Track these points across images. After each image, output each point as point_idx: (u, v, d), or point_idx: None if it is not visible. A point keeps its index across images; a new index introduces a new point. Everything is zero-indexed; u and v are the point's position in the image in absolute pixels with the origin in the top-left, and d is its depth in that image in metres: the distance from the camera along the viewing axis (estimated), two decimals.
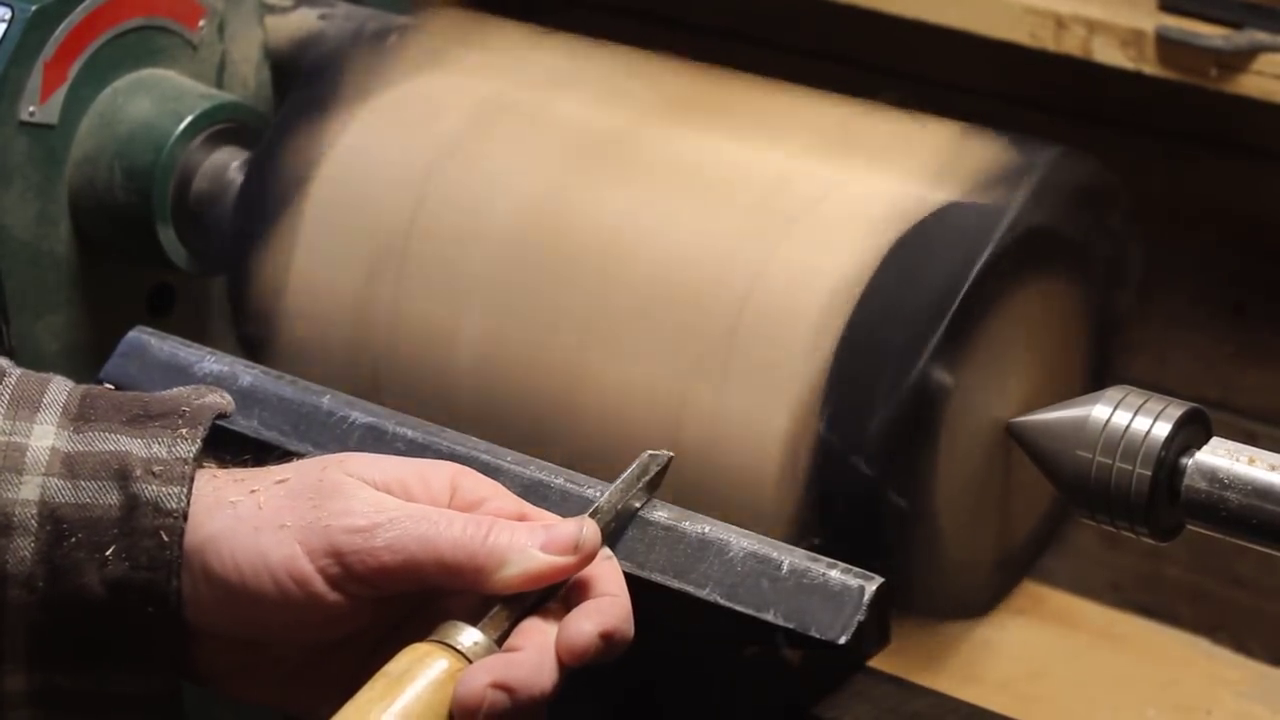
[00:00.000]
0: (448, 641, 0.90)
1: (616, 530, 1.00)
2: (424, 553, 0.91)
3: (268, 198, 1.20)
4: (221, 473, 0.96)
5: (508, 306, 1.12)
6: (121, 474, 0.94)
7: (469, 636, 0.91)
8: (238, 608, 0.92)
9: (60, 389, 0.98)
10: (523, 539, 0.92)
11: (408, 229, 1.16)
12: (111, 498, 0.94)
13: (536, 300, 1.12)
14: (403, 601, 0.94)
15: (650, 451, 1.03)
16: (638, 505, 1.03)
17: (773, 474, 1.06)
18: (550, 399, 1.11)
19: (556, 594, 0.94)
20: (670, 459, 1.03)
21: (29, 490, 0.94)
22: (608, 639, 0.91)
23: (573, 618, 0.92)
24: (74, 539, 0.93)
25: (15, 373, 0.98)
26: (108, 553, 0.93)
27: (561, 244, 1.12)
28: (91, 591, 0.93)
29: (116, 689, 0.95)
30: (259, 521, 0.93)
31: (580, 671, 0.92)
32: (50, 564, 0.93)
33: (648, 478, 1.03)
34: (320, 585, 0.92)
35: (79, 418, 0.96)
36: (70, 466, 0.94)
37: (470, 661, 0.90)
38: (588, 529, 0.93)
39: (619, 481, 1.02)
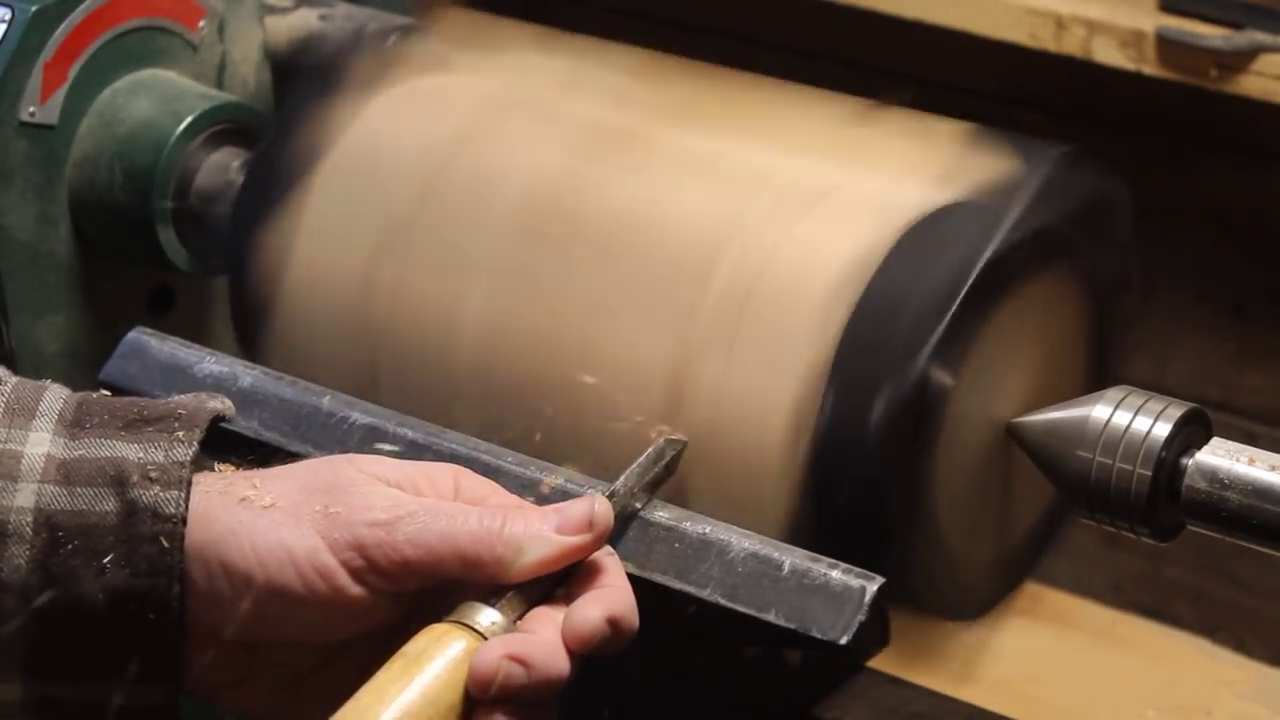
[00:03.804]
0: (465, 621, 0.91)
1: (617, 530, 1.00)
2: (444, 546, 0.92)
3: (277, 175, 1.20)
4: (229, 471, 0.96)
5: (512, 284, 1.12)
6: (118, 480, 0.94)
7: (487, 616, 0.91)
8: (258, 603, 0.92)
9: (56, 396, 0.97)
10: (536, 525, 0.93)
11: (416, 208, 1.16)
12: (108, 504, 0.93)
13: (541, 278, 1.12)
14: (415, 598, 0.94)
15: (667, 437, 1.04)
16: (639, 505, 1.03)
17: (773, 468, 1.06)
18: (552, 375, 1.11)
19: (571, 576, 0.94)
20: (685, 444, 1.04)
21: (24, 497, 0.93)
22: (614, 625, 0.92)
23: (579, 605, 0.92)
24: (70, 546, 0.93)
25: (11, 380, 0.98)
26: (106, 560, 0.93)
27: (568, 224, 1.12)
28: (90, 600, 0.93)
29: (115, 699, 0.95)
30: (278, 516, 0.93)
31: (585, 670, 0.92)
32: (46, 572, 0.93)
33: (663, 462, 1.03)
34: (344, 578, 0.92)
35: (75, 424, 0.96)
36: (66, 473, 0.94)
37: (487, 640, 0.90)
38: (599, 506, 0.94)
39: (634, 466, 1.03)
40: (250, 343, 1.21)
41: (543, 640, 0.91)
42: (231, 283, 1.23)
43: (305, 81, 1.25)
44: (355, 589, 0.92)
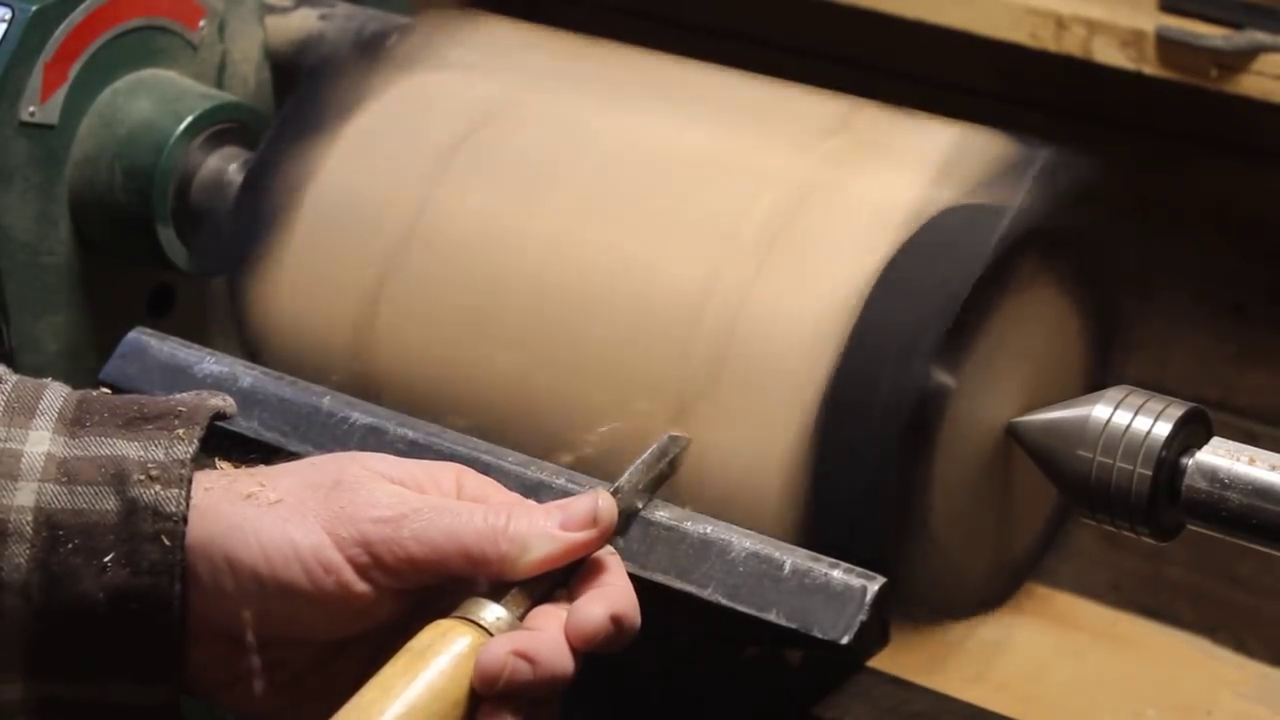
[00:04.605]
0: (471, 617, 0.91)
1: (619, 529, 1.00)
2: (450, 543, 0.92)
3: (256, 224, 1.20)
4: (232, 468, 0.96)
5: (490, 335, 1.12)
6: (119, 478, 0.94)
7: (492, 613, 0.91)
8: (264, 599, 0.93)
9: (56, 394, 0.97)
10: (541, 522, 0.93)
11: (390, 264, 1.16)
12: (109, 503, 0.93)
13: (565, 215, 1.12)
14: (418, 595, 0.94)
15: (670, 434, 1.04)
16: (640, 505, 1.03)
17: (775, 478, 1.06)
18: (559, 315, 1.11)
19: (573, 575, 0.94)
20: (688, 442, 1.04)
21: (24, 496, 0.93)
22: (617, 623, 0.92)
23: (582, 602, 0.93)
24: (71, 545, 0.93)
25: (11, 379, 0.98)
26: (106, 559, 0.93)
27: (593, 165, 1.13)
28: (90, 599, 0.93)
29: (116, 699, 0.95)
30: (283, 511, 0.93)
31: (587, 669, 0.92)
32: (47, 571, 0.93)
33: (667, 459, 1.03)
34: (350, 574, 0.92)
35: (75, 422, 0.96)
36: (66, 472, 0.94)
37: (493, 636, 0.91)
38: (603, 501, 0.95)
39: (638, 463, 1.03)
40: (253, 262, 1.20)
41: (548, 637, 0.91)
42: (244, 201, 1.22)
43: (284, 111, 1.25)
44: (361, 585, 0.92)
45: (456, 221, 1.15)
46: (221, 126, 1.32)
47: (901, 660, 1.12)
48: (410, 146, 1.18)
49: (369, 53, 1.25)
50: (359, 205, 1.17)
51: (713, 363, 1.07)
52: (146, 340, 1.19)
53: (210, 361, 1.16)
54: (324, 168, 1.19)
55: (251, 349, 1.21)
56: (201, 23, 1.35)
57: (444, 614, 0.93)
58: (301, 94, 1.23)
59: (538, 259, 1.12)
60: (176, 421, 0.96)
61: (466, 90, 1.20)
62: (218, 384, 1.14)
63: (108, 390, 1.00)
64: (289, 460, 0.98)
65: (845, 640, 0.98)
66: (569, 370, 1.10)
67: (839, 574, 0.99)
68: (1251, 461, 1.01)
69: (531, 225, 1.13)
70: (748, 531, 1.02)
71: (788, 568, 1.00)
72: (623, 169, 1.13)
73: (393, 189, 1.17)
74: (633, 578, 0.96)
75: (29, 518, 0.93)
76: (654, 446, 1.04)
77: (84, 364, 1.30)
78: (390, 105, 1.21)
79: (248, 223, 1.21)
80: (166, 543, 0.93)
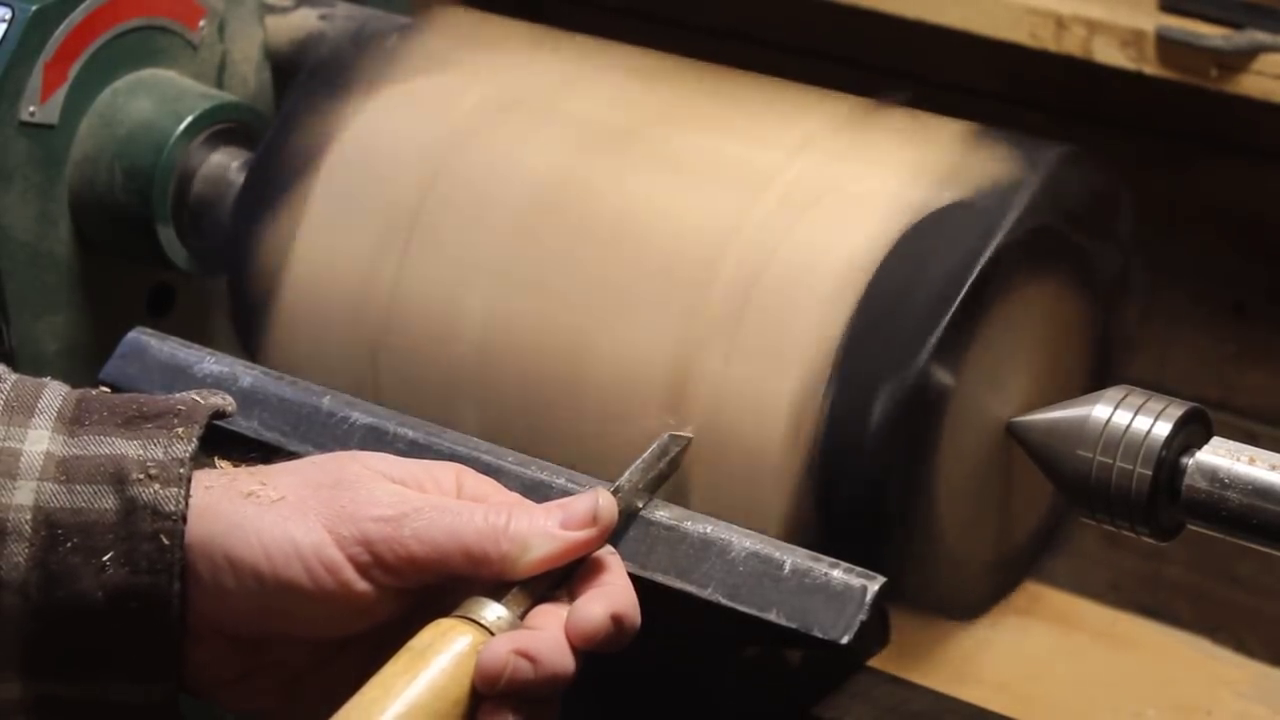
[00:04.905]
0: (471, 617, 0.91)
1: (619, 529, 1.00)
2: (450, 543, 0.92)
3: (278, 172, 1.20)
4: (231, 468, 0.97)
5: (514, 280, 1.12)
6: (117, 477, 0.94)
7: (493, 612, 0.92)
8: (264, 597, 0.93)
9: (55, 393, 0.97)
10: (541, 521, 0.94)
11: (418, 202, 1.15)
12: (108, 502, 0.93)
13: (544, 274, 1.11)
14: (418, 595, 0.94)
15: (671, 433, 1.04)
16: (640, 504, 1.03)
17: (773, 467, 1.06)
18: (554, 371, 1.10)
19: (573, 574, 0.94)
20: (689, 441, 1.04)
21: (23, 495, 0.93)
22: (618, 622, 0.92)
23: (582, 602, 0.93)
24: (70, 544, 0.93)
25: (10, 378, 0.98)
26: (105, 558, 0.93)
27: (572, 219, 1.12)
28: (89, 597, 0.93)
29: (114, 698, 0.95)
30: (284, 510, 0.93)
31: (586, 669, 0.92)
32: (45, 570, 0.93)
33: (668, 458, 1.03)
34: (351, 573, 0.92)
35: (74, 421, 0.96)
36: (65, 471, 0.94)
37: (494, 635, 0.91)
38: (604, 500, 0.95)
39: (639, 461, 1.03)
40: (249, 339, 1.21)
41: (549, 636, 0.91)
42: (230, 279, 1.23)
43: (306, 80, 1.25)
44: (361, 584, 0.92)
45: (426, 293, 1.14)
46: (221, 126, 1.32)
47: (901, 660, 1.12)
48: (430, 120, 1.17)
49: (380, 46, 1.25)
50: (340, 275, 1.17)
51: (716, 347, 1.07)
52: (146, 340, 1.19)
53: (210, 361, 1.17)
54: (303, 229, 1.18)
55: (252, 299, 1.20)
56: (201, 23, 1.35)
57: (444, 613, 0.93)
58: (269, 143, 1.23)
59: (519, 339, 1.11)
60: (176, 420, 0.96)
61: (477, 86, 1.19)
62: (218, 384, 1.14)
63: (107, 390, 1.00)
64: (289, 460, 0.99)
65: (845, 640, 0.98)
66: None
67: (839, 574, 0.99)
68: (1251, 461, 1.01)
69: (500, 294, 1.12)
70: (748, 531, 1.02)
71: (788, 567, 1.00)
72: (617, 176, 1.13)
73: (371, 256, 1.16)
74: (633, 578, 0.96)
75: (28, 516, 0.93)
76: (654, 446, 1.04)
77: (84, 364, 1.30)
78: (409, 89, 1.20)
79: (265, 181, 1.21)
80: (165, 541, 0.93)
